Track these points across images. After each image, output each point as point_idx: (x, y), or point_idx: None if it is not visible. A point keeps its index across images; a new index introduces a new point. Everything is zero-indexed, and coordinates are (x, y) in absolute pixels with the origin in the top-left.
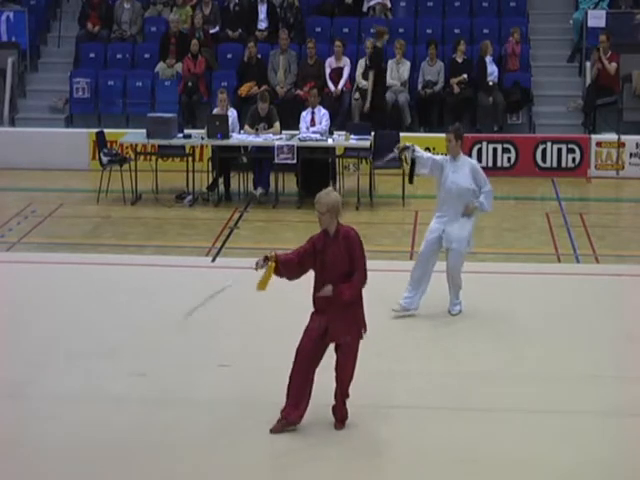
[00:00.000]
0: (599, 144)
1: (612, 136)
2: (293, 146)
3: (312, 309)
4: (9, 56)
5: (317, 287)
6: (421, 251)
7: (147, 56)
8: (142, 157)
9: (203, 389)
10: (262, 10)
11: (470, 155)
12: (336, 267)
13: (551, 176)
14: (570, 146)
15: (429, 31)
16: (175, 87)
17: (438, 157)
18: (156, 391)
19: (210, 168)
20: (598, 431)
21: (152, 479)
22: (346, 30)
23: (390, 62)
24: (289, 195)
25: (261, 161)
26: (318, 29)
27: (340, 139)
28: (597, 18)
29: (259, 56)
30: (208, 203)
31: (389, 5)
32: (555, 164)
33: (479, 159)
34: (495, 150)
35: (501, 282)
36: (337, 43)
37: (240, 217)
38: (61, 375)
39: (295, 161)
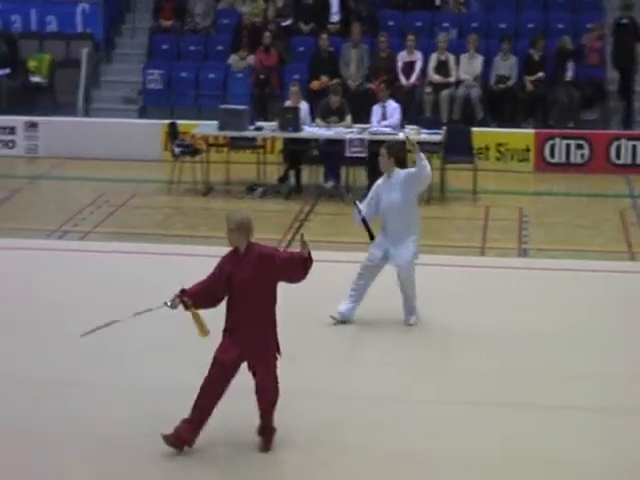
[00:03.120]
0: None
1: None
2: (364, 139)
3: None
4: (84, 47)
5: (229, 306)
6: (363, 264)
7: (220, 48)
8: (214, 149)
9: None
10: (335, 3)
11: (542, 151)
12: (246, 286)
13: (625, 173)
14: None
15: (502, 26)
16: (247, 79)
17: (371, 194)
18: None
19: (281, 160)
20: None
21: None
22: (419, 24)
23: (463, 56)
24: (359, 188)
25: (332, 154)
26: (390, 22)
27: (411, 133)
28: None
29: (331, 49)
30: (279, 195)
31: None
32: (630, 161)
33: (552, 155)
34: (568, 146)
35: (572, 279)
36: (409, 37)
37: (310, 210)
38: (141, 367)
39: (366, 154)
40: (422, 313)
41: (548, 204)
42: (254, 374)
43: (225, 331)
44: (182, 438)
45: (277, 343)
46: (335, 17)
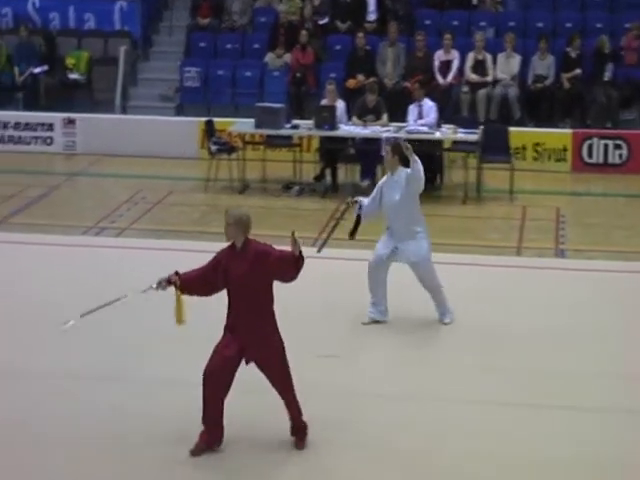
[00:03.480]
0: None
1: None
2: (400, 138)
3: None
4: (122, 45)
5: (229, 301)
6: (369, 263)
7: (256, 46)
8: (250, 146)
9: None
10: (371, 2)
11: (580, 151)
12: (243, 282)
13: None
14: None
15: (540, 25)
16: (284, 77)
17: (375, 191)
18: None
19: (317, 159)
20: None
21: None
22: (455, 23)
23: (500, 56)
24: None
25: (368, 153)
26: (427, 21)
27: (448, 132)
28: None
29: (368, 48)
30: (315, 194)
31: None
32: None
33: (589, 155)
34: (606, 146)
35: (609, 280)
36: (446, 36)
37: (346, 208)
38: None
39: None
40: (458, 312)
41: (585, 204)
42: (265, 373)
43: (225, 327)
44: (205, 442)
45: (280, 340)
46: (372, 16)
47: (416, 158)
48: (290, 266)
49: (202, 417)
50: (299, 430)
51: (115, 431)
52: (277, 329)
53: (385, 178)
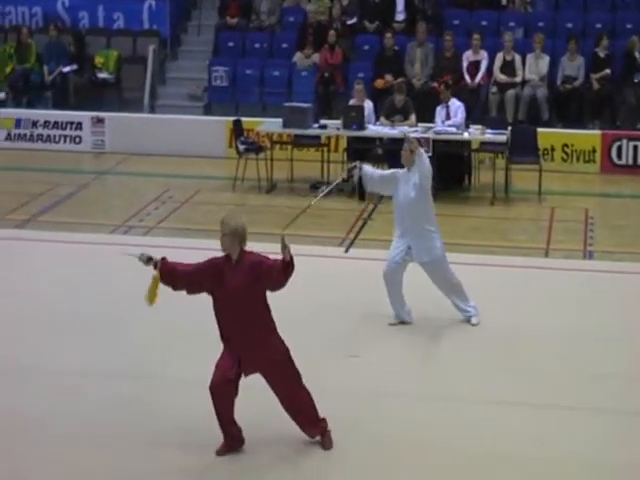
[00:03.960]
0: None
1: None
2: (429, 139)
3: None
4: (150, 44)
5: (218, 314)
6: (384, 271)
7: (285, 46)
8: (278, 146)
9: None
10: (400, 2)
11: (609, 153)
12: (239, 295)
13: None
14: None
15: (569, 25)
16: (312, 77)
17: (388, 173)
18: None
19: (345, 159)
20: None
21: None
22: (484, 23)
23: (529, 56)
24: None
25: (396, 153)
26: (456, 22)
27: (476, 133)
28: None
29: (396, 48)
30: (342, 194)
31: None
32: None
33: (619, 156)
34: (636, 148)
35: (638, 282)
36: (475, 36)
37: (374, 209)
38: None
39: (430, 154)
40: (484, 313)
41: (614, 206)
42: (269, 383)
43: (222, 339)
44: (228, 444)
45: (284, 347)
46: (400, 16)
47: (421, 152)
48: (280, 274)
49: (218, 424)
50: (323, 433)
51: (131, 430)
52: (277, 335)
53: (401, 172)
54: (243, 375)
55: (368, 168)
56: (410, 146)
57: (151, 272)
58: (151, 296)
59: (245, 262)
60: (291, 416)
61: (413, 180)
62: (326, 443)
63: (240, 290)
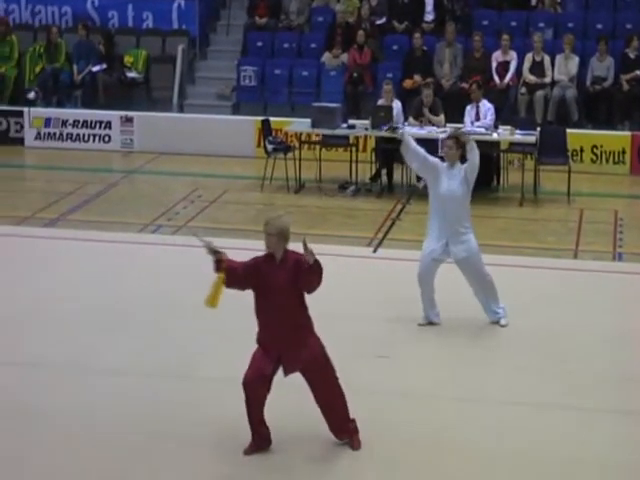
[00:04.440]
0: None
1: None
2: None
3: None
4: (179, 43)
5: (260, 313)
6: (419, 271)
7: (313, 46)
8: (306, 146)
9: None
10: (429, 2)
11: (639, 154)
12: (283, 294)
13: None
14: None
15: (599, 26)
16: (340, 77)
17: (432, 158)
18: None
19: (373, 159)
20: None
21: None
22: (514, 23)
23: (558, 57)
24: None
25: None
26: (485, 22)
27: (505, 134)
28: None
29: (425, 48)
30: (371, 194)
31: None
32: None
33: None
34: None
35: None
36: (504, 37)
37: (402, 209)
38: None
39: None
40: (512, 315)
41: None
42: (307, 381)
43: (259, 339)
44: (256, 443)
45: (322, 346)
46: (429, 16)
47: (474, 144)
48: (317, 275)
49: (248, 421)
50: (352, 434)
51: (166, 430)
52: (314, 333)
53: (442, 165)
54: (283, 375)
55: (412, 140)
56: (462, 138)
57: (213, 274)
58: (213, 300)
59: (289, 261)
60: (324, 414)
61: (459, 176)
62: (355, 443)
63: (285, 287)
